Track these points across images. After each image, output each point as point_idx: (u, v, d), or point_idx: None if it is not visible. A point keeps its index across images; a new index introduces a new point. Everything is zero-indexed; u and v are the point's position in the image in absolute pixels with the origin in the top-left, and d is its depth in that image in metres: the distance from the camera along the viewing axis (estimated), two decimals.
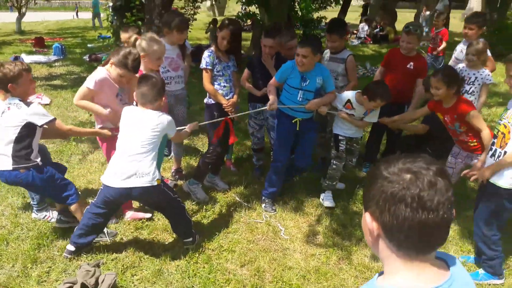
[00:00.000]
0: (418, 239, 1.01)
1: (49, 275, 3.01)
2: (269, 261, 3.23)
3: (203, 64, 3.89)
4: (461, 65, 4.42)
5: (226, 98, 3.97)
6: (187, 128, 3.54)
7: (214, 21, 12.32)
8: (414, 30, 4.24)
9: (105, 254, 3.22)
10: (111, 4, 7.42)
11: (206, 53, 3.90)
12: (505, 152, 2.81)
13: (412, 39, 4.25)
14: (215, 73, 3.93)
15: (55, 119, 3.17)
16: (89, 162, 4.91)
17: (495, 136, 2.95)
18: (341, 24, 4.46)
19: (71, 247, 3.17)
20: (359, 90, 3.90)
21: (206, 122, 3.97)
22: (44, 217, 3.63)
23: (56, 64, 10.68)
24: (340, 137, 3.98)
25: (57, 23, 22.98)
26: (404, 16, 18.67)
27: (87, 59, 11.11)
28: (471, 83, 4.19)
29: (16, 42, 14.52)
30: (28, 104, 3.09)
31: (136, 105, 3.18)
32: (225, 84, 3.97)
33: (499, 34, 11.92)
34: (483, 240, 3.02)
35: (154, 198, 3.16)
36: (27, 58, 10.08)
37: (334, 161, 4.01)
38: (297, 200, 4.15)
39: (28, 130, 3.09)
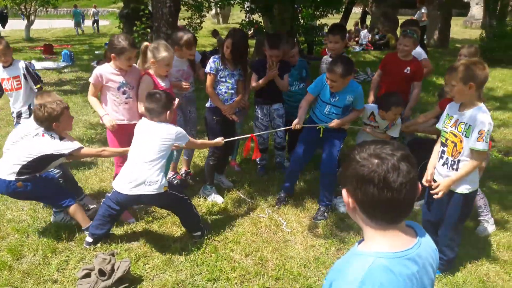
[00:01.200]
0: (386, 212, 1.22)
1: (68, 264, 3.26)
2: (271, 251, 3.46)
3: (207, 69, 4.12)
4: None
5: (227, 103, 4.16)
6: (213, 141, 3.80)
7: (214, 32, 12.82)
8: (411, 34, 4.48)
9: (118, 245, 3.46)
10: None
11: (212, 59, 4.13)
12: (458, 161, 2.90)
13: (408, 42, 4.46)
14: (219, 78, 4.12)
15: (81, 148, 3.41)
16: (100, 162, 5.16)
17: (444, 144, 3.01)
18: (342, 27, 4.75)
19: (89, 239, 3.42)
20: None
21: (233, 139, 4.20)
22: (61, 219, 3.77)
23: (65, 70, 11.02)
24: None
25: (63, 31, 23.43)
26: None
27: (95, 65, 11.41)
28: None
29: (26, 49, 14.91)
30: (61, 138, 3.35)
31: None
32: (227, 91, 4.15)
33: (498, 41, 12.17)
34: (448, 244, 3.14)
35: (162, 202, 3.45)
36: (37, 65, 10.39)
37: None
38: (299, 197, 4.38)
39: (50, 157, 3.34)
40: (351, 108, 3.96)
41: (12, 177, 3.27)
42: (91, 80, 3.70)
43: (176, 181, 4.56)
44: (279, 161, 4.99)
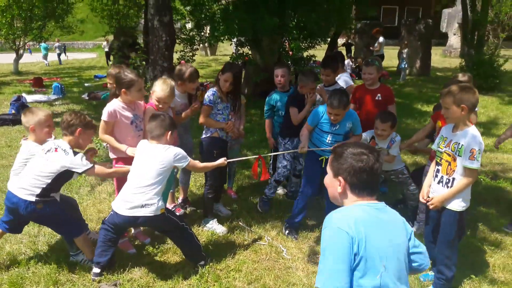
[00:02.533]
0: (370, 188, 1.86)
1: None
2: (274, 279, 3.50)
3: (205, 101, 4.21)
4: None
5: (222, 136, 4.31)
6: (215, 163, 3.78)
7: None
8: (372, 62, 4.73)
9: (121, 275, 3.46)
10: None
11: (210, 92, 4.24)
12: (453, 179, 3.08)
13: (371, 69, 4.67)
14: (216, 111, 4.25)
15: (93, 167, 3.38)
16: (97, 193, 5.19)
17: (438, 164, 3.21)
18: (334, 60, 4.99)
19: (96, 269, 3.41)
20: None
21: (236, 160, 4.35)
22: (81, 261, 3.66)
23: (56, 103, 11.07)
24: None
25: (51, 63, 23.52)
26: (388, 53, 19.56)
27: (86, 97, 11.52)
28: None
29: (15, 82, 14.93)
30: (75, 153, 3.33)
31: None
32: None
33: (476, 69, 12.66)
34: (445, 263, 3.23)
35: (159, 225, 3.48)
36: (28, 98, 10.44)
37: None
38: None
39: (66, 174, 3.35)
40: (350, 134, 4.10)
41: (32, 198, 3.26)
42: (104, 118, 3.65)
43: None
44: (294, 190, 4.96)
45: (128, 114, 3.74)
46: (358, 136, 4.14)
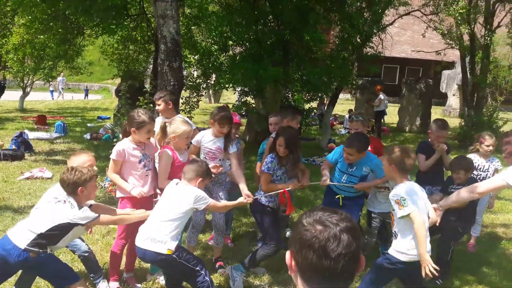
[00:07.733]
0: (321, 280, 1.20)
1: None
2: None
3: (264, 168, 3.95)
4: (471, 155, 4.96)
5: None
6: (235, 202, 3.77)
7: None
8: (356, 118, 4.82)
9: None
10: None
11: (268, 158, 3.95)
12: None
13: (356, 125, 4.71)
14: (275, 177, 3.96)
15: (98, 217, 3.21)
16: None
17: None
18: (288, 108, 5.34)
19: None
20: None
21: (263, 195, 3.92)
22: None
23: (57, 141, 11.10)
24: (373, 215, 4.40)
25: (56, 103, 23.88)
26: (388, 110, 19.90)
27: (88, 138, 11.58)
28: (486, 170, 4.89)
29: (18, 119, 15.07)
30: (80, 207, 3.16)
31: None
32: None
33: (476, 130, 12.82)
34: None
35: (165, 266, 3.42)
36: (30, 134, 10.49)
37: (366, 236, 4.43)
38: None
39: (66, 227, 3.12)
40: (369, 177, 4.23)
41: (23, 245, 2.99)
42: (113, 156, 3.71)
43: None
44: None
45: (137, 153, 3.76)
46: (381, 179, 4.11)
